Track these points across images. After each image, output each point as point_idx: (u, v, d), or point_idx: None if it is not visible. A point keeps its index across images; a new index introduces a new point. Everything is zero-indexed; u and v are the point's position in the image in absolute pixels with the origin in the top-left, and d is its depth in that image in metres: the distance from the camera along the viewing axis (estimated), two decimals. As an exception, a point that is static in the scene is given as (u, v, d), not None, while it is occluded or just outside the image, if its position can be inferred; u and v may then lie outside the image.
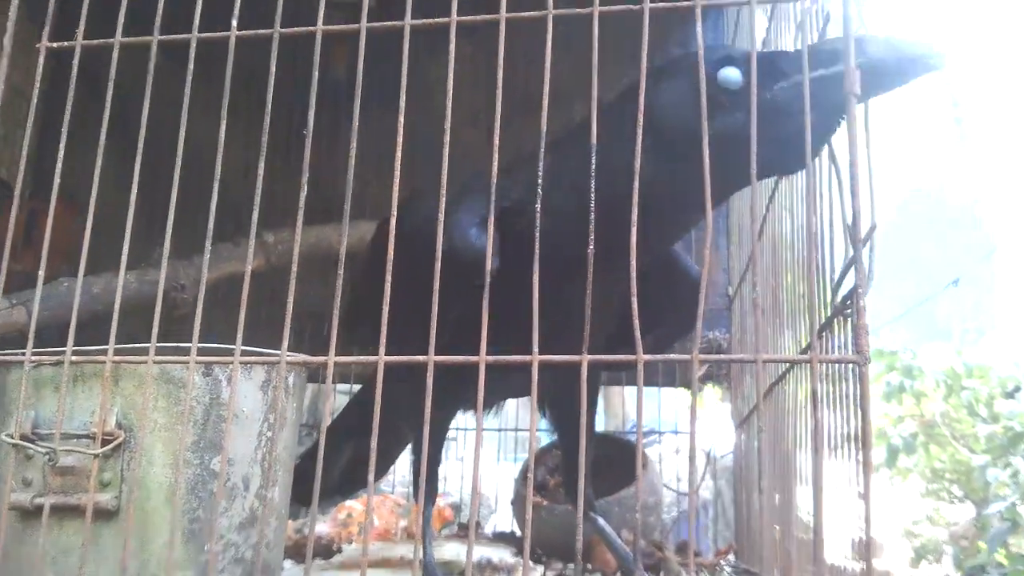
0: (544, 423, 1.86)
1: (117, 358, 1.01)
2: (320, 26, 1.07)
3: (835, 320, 1.09)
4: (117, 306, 1.09)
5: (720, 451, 2.98)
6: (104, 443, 1.04)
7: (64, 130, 1.12)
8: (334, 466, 1.89)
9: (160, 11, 1.12)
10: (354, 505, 2.31)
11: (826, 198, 1.14)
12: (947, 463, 5.52)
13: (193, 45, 1.09)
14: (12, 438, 1.04)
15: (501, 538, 2.40)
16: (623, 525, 2.07)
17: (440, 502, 2.60)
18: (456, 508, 3.02)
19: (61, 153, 1.13)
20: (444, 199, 1.04)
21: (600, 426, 3.60)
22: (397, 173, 1.06)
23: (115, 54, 1.12)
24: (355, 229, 2.46)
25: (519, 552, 2.15)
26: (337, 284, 1.01)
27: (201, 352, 1.00)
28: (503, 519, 3.30)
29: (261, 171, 1.06)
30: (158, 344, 1.00)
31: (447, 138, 1.00)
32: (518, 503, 2.26)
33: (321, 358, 0.98)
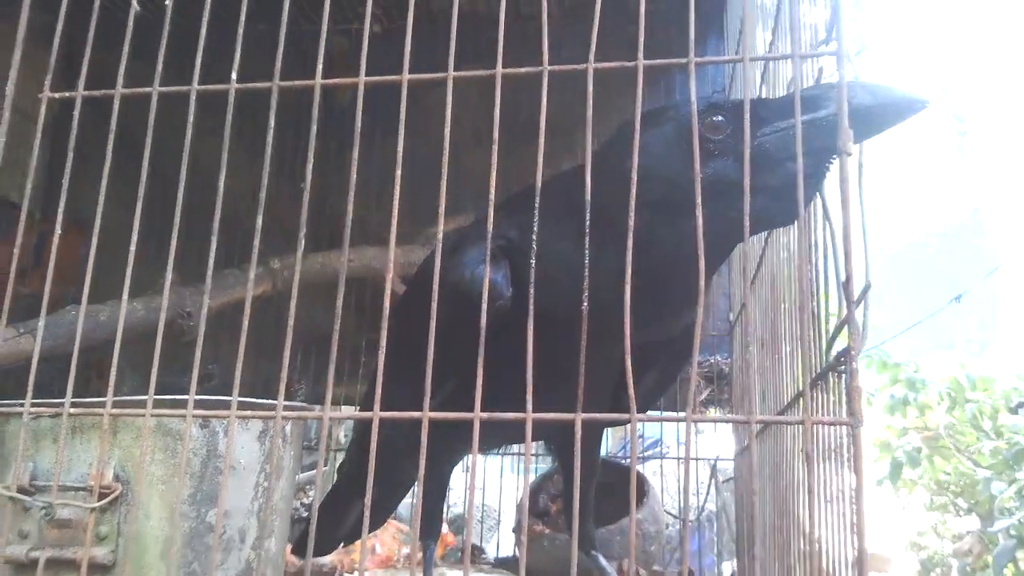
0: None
1: (115, 411, 1.02)
2: (319, 80, 1.08)
3: (829, 374, 1.09)
4: (117, 346, 1.09)
5: (724, 463, 2.97)
6: (101, 496, 1.04)
7: (67, 168, 1.14)
8: (349, 515, 1.87)
9: (160, 63, 1.13)
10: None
11: (820, 243, 1.14)
12: (952, 475, 5.50)
13: (193, 97, 1.10)
14: (9, 490, 1.05)
15: (503, 564, 2.40)
16: (625, 554, 2.07)
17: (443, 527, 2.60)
18: (457, 526, 3.01)
19: (66, 183, 1.13)
20: (440, 244, 1.04)
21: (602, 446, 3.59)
22: (394, 222, 1.07)
23: (116, 104, 1.12)
24: (360, 255, 2.47)
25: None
26: (337, 308, 1.02)
27: (198, 404, 1.00)
28: (506, 537, 3.30)
29: (262, 205, 1.07)
30: (156, 396, 1.01)
31: (442, 198, 1.01)
32: (520, 531, 2.26)
33: (316, 412, 0.99)
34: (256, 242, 1.04)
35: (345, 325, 2.67)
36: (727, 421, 0.95)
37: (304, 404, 1.06)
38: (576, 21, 2.90)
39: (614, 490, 2.16)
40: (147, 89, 1.11)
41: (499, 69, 1.02)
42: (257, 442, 1.13)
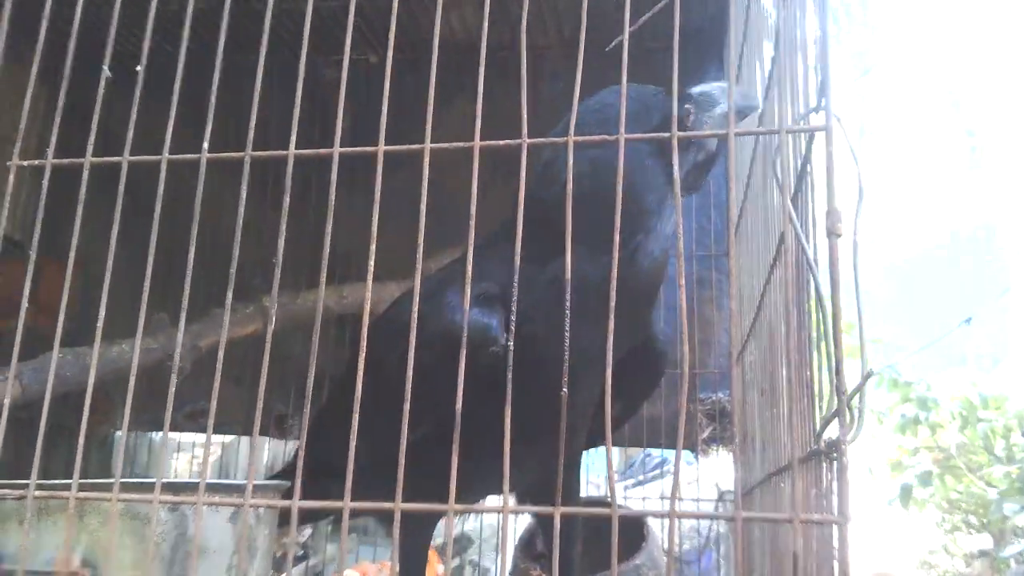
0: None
1: (81, 494, 0.99)
2: (292, 150, 1.04)
3: (821, 457, 1.05)
4: (87, 409, 1.06)
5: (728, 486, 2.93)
6: (68, 582, 1.01)
7: (37, 227, 1.11)
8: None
9: (132, 129, 1.10)
10: (351, 575, 2.28)
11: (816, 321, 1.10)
12: (963, 495, 5.44)
13: (163, 167, 1.07)
14: (-26, 575, 1.02)
15: (500, 605, 2.36)
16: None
17: (438, 567, 2.57)
18: (468, 541, 2.98)
19: (35, 240, 1.11)
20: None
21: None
22: (370, 277, 1.04)
23: (85, 174, 1.09)
24: (355, 291, 2.44)
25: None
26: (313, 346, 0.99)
27: (166, 488, 0.97)
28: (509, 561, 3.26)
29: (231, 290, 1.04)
30: (123, 480, 0.98)
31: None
32: (516, 575, 2.22)
33: (286, 502, 0.95)
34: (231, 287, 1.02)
35: (338, 358, 2.61)
36: (711, 518, 0.90)
37: (276, 484, 1.02)
38: (575, 51, 2.86)
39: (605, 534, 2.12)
40: (117, 159, 1.09)
41: (477, 141, 0.98)
42: (229, 523, 1.10)
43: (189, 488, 0.98)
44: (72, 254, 1.11)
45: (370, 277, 1.05)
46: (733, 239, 1.02)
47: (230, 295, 1.02)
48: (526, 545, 2.21)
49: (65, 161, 1.12)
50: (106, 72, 1.13)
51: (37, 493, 1.00)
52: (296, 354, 2.31)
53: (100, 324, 1.08)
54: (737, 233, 2.11)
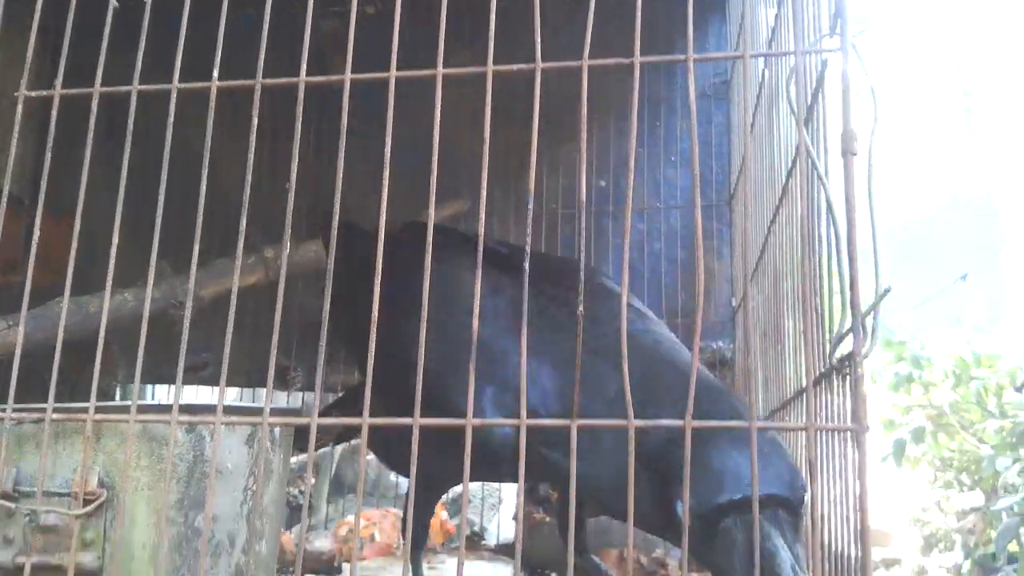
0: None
1: (98, 416, 0.99)
2: (303, 77, 1.04)
3: (833, 375, 1.07)
4: (101, 343, 1.07)
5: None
6: (86, 502, 1.02)
7: (46, 161, 1.11)
8: None
9: (140, 57, 1.09)
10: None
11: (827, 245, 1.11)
12: (956, 452, 5.49)
13: (174, 95, 1.07)
14: (-7, 496, 1.03)
15: (504, 550, 2.39)
16: (624, 543, 2.05)
17: (443, 514, 2.60)
18: (457, 508, 3.00)
19: (45, 177, 1.11)
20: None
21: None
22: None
23: (94, 104, 1.09)
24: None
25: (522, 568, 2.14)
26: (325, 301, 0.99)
27: (184, 410, 0.98)
28: (506, 520, 3.29)
29: (246, 201, 1.05)
30: (140, 403, 0.99)
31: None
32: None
33: (304, 419, 0.96)
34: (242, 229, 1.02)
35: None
36: (727, 427, 0.92)
37: (292, 408, 1.03)
38: (577, 5, 2.84)
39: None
40: (127, 88, 1.08)
41: (490, 66, 0.98)
42: (245, 446, 1.11)
43: (206, 410, 0.99)
44: (82, 192, 1.10)
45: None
46: (748, 150, 1.02)
47: (241, 243, 1.02)
48: (530, 490, 2.24)
49: (74, 91, 1.11)
50: (114, 3, 1.12)
51: (55, 416, 1.01)
52: (298, 305, 2.31)
53: (111, 267, 1.07)
54: (740, 179, 2.11)
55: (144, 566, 1.05)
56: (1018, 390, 4.80)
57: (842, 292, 0.95)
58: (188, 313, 1.04)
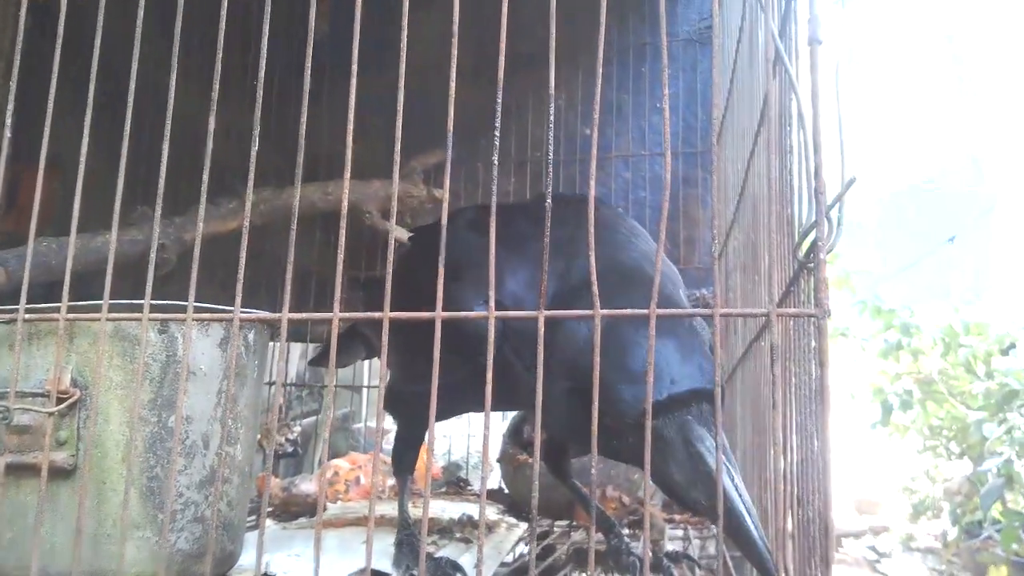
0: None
1: (70, 316, 1.00)
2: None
3: (801, 275, 1.07)
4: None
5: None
6: (59, 401, 1.03)
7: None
8: None
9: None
10: (340, 464, 2.31)
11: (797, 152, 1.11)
12: (944, 420, 5.52)
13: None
14: (-33, 397, 1.03)
15: (488, 495, 2.40)
16: (607, 482, 2.07)
17: (437, 464, 2.61)
18: (456, 467, 3.01)
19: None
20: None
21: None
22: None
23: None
24: (338, 188, 2.44)
25: (505, 509, 2.16)
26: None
27: (155, 309, 0.98)
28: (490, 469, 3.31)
29: (214, 105, 1.04)
30: (112, 301, 0.99)
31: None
32: (504, 460, 2.26)
33: (275, 315, 0.97)
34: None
35: (323, 260, 2.61)
36: (692, 315, 0.93)
37: (265, 313, 1.03)
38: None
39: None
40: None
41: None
42: (218, 348, 1.12)
43: (178, 309, 0.99)
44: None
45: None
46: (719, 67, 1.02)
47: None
48: (514, 432, 2.25)
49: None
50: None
51: (27, 316, 1.01)
52: (273, 251, 2.31)
53: (77, 205, 1.06)
54: (723, 125, 2.11)
55: (118, 464, 1.06)
56: (1004, 353, 4.82)
57: (808, 182, 0.95)
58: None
